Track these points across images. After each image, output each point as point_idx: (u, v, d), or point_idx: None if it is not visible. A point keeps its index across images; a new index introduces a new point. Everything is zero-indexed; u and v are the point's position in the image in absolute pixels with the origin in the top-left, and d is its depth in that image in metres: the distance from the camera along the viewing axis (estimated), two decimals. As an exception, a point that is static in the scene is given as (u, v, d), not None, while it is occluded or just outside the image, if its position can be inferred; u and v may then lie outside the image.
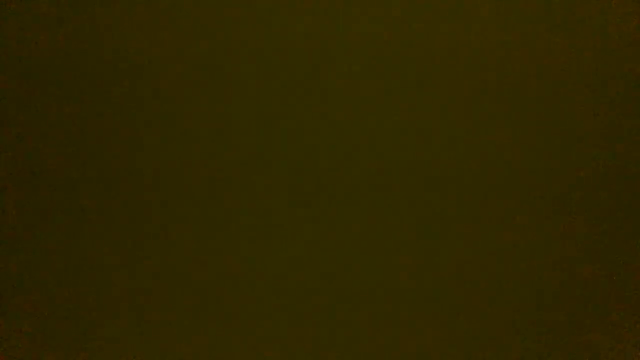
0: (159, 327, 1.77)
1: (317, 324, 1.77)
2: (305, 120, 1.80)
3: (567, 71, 1.81)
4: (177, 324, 1.78)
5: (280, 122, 1.80)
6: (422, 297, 1.78)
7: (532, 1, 1.82)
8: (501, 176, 1.80)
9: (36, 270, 1.79)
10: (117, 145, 1.80)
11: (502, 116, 1.81)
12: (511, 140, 1.80)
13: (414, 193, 1.80)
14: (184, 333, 1.78)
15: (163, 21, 1.82)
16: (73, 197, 1.80)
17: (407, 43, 1.81)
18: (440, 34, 1.82)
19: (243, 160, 1.80)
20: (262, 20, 1.82)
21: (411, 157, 1.80)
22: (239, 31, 1.82)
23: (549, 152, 1.81)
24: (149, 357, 1.77)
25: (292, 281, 1.78)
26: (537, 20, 1.82)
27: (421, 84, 1.81)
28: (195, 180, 1.80)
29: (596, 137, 1.81)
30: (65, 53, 1.82)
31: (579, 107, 1.81)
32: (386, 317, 1.77)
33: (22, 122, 1.81)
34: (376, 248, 1.79)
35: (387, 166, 1.80)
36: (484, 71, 1.81)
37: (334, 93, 1.81)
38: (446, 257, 1.78)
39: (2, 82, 1.81)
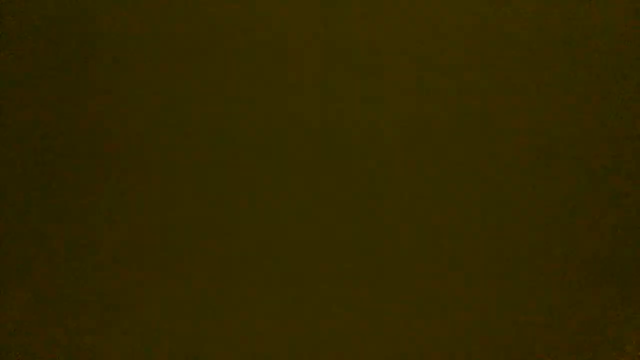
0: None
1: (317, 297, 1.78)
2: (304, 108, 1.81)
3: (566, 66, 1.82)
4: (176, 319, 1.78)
5: (278, 110, 1.81)
6: (422, 286, 1.78)
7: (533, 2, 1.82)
8: (502, 173, 1.80)
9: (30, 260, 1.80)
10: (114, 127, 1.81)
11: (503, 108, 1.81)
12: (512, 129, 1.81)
13: (415, 187, 1.80)
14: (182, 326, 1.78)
15: (162, 15, 1.82)
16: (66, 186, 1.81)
17: (407, 40, 1.81)
18: (441, 32, 1.82)
19: (243, 153, 1.81)
20: (261, 15, 1.82)
21: (412, 146, 1.80)
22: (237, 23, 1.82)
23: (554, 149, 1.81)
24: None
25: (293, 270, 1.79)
26: (539, 17, 1.82)
27: (422, 76, 1.81)
28: (195, 175, 1.80)
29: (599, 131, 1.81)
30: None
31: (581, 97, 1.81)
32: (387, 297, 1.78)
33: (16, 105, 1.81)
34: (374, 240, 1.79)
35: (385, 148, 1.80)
36: (485, 64, 1.81)
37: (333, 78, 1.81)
38: (446, 255, 1.79)
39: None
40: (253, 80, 1.80)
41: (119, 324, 1.76)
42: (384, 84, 1.80)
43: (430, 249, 1.79)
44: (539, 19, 1.81)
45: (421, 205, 1.79)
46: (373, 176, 1.79)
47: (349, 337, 1.74)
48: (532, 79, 1.80)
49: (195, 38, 1.80)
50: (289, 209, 1.79)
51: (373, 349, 1.73)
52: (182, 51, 1.81)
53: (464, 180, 1.79)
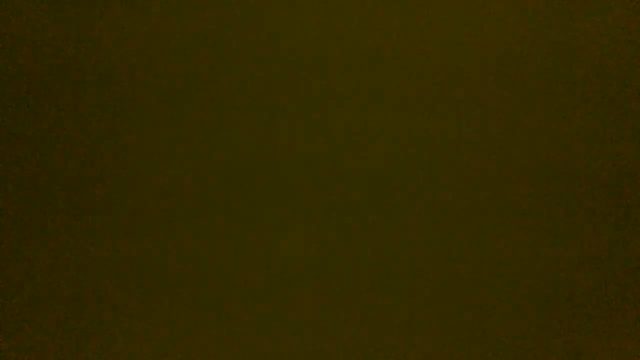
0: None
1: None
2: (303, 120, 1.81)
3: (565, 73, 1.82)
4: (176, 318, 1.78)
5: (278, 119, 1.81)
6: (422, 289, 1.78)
7: (533, 4, 1.82)
8: (501, 179, 1.80)
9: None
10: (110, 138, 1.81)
11: (501, 117, 1.81)
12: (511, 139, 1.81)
13: (415, 195, 1.80)
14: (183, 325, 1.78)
15: (162, 20, 1.82)
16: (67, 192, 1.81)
17: (406, 45, 1.82)
18: (440, 37, 1.82)
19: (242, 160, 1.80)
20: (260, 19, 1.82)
21: (410, 159, 1.80)
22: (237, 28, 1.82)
23: (549, 155, 1.81)
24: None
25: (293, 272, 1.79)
26: (538, 21, 1.82)
27: (420, 84, 1.81)
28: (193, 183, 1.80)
29: (597, 138, 1.81)
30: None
31: (579, 109, 1.81)
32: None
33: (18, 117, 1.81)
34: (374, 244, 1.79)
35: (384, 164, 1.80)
36: (483, 73, 1.81)
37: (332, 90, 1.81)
38: (445, 258, 1.78)
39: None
40: (259, 89, 1.81)
41: (119, 325, 1.76)
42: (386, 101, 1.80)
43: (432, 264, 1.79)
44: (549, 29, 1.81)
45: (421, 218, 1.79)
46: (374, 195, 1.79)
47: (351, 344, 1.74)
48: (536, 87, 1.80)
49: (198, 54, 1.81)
50: (291, 216, 1.79)
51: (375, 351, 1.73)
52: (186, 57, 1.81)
53: (469, 187, 1.79)
